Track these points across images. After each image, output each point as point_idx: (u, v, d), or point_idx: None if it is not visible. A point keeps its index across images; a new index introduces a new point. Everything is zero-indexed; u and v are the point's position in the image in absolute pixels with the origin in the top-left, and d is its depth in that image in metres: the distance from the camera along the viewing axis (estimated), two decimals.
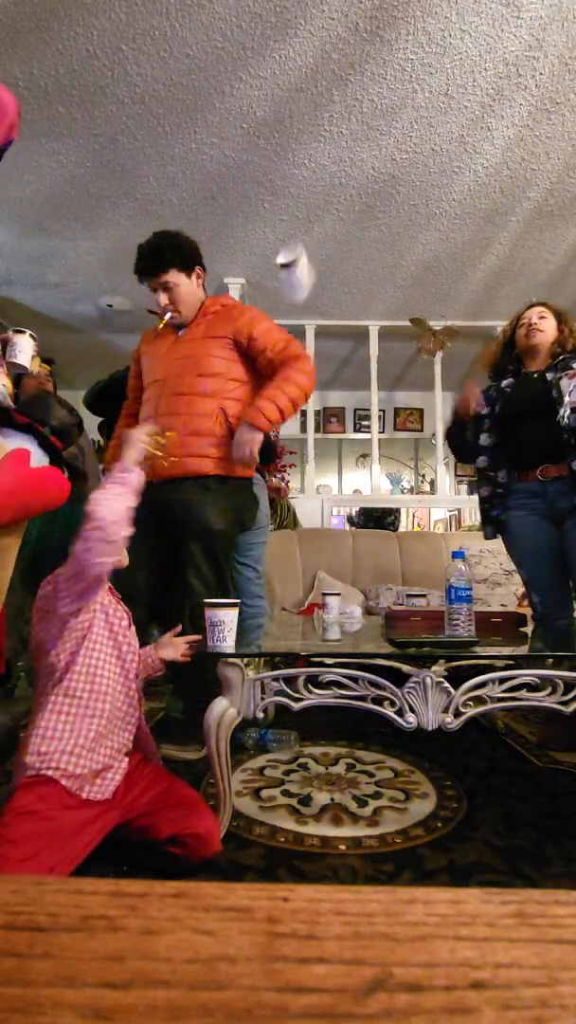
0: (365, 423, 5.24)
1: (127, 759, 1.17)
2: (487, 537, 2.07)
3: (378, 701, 1.20)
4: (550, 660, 1.29)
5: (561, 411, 1.75)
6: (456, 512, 5.41)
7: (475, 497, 4.81)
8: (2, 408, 1.32)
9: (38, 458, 1.30)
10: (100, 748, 1.11)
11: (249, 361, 1.91)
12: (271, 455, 2.83)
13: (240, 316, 1.91)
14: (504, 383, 2.01)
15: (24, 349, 1.62)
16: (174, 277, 1.87)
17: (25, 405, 1.73)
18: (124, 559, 1.20)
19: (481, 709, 1.20)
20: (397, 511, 5.20)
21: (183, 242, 1.91)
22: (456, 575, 1.40)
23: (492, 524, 2.04)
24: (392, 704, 1.19)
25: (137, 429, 1.31)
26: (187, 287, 1.90)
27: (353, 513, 5.21)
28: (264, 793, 1.49)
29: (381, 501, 4.69)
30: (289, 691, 1.21)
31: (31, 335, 1.65)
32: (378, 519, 4.96)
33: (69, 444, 1.87)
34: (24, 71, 2.29)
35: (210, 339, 1.88)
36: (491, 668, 1.20)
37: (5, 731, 1.56)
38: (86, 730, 1.09)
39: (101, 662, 1.14)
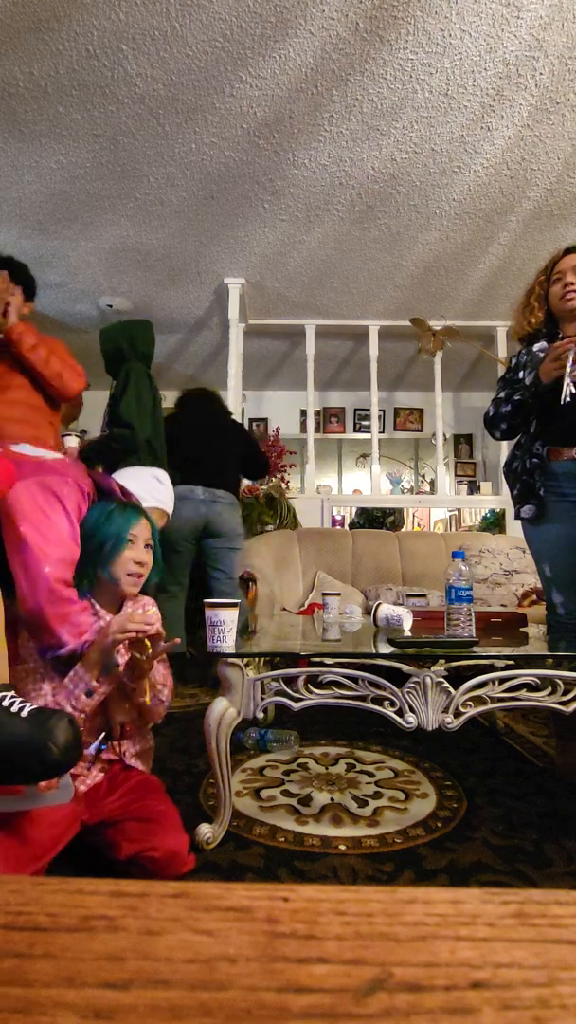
0: (365, 423, 5.24)
1: (93, 767, 1.15)
2: (527, 515, 1.75)
3: (378, 701, 1.20)
4: (550, 660, 1.29)
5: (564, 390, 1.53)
6: (456, 512, 5.41)
7: (474, 497, 4.79)
8: None
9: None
10: None
11: None
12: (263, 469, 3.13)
13: None
14: (537, 347, 1.74)
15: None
16: None
17: None
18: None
19: (481, 709, 1.20)
20: (397, 511, 5.19)
21: None
22: (456, 575, 1.40)
23: (536, 501, 1.72)
24: (392, 704, 1.19)
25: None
26: None
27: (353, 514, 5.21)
28: (264, 793, 1.49)
29: (381, 501, 4.69)
30: (289, 691, 1.21)
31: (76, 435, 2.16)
32: (377, 520, 4.96)
33: None
34: (24, 71, 2.29)
35: None
36: (491, 668, 1.20)
37: None
38: None
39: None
